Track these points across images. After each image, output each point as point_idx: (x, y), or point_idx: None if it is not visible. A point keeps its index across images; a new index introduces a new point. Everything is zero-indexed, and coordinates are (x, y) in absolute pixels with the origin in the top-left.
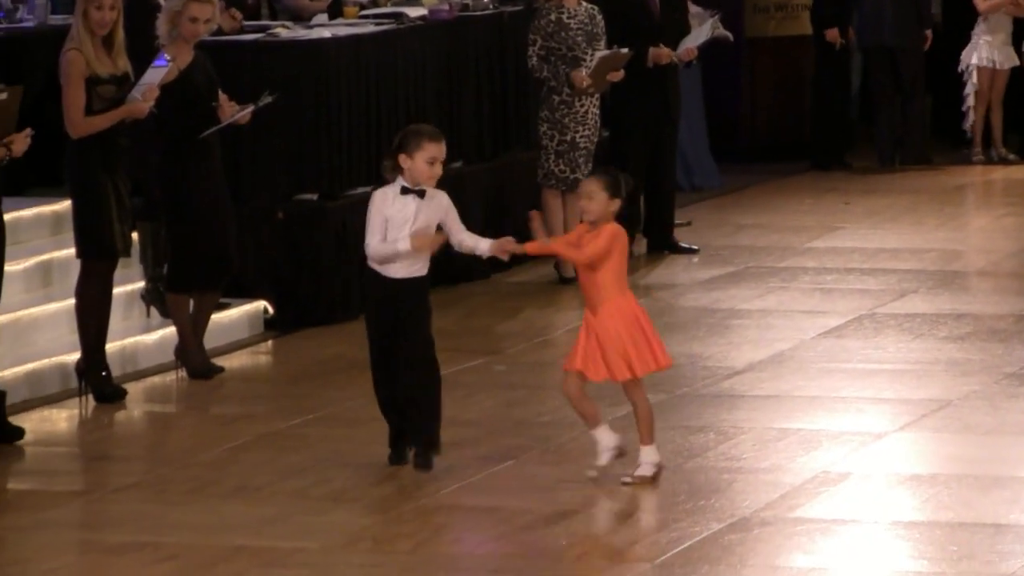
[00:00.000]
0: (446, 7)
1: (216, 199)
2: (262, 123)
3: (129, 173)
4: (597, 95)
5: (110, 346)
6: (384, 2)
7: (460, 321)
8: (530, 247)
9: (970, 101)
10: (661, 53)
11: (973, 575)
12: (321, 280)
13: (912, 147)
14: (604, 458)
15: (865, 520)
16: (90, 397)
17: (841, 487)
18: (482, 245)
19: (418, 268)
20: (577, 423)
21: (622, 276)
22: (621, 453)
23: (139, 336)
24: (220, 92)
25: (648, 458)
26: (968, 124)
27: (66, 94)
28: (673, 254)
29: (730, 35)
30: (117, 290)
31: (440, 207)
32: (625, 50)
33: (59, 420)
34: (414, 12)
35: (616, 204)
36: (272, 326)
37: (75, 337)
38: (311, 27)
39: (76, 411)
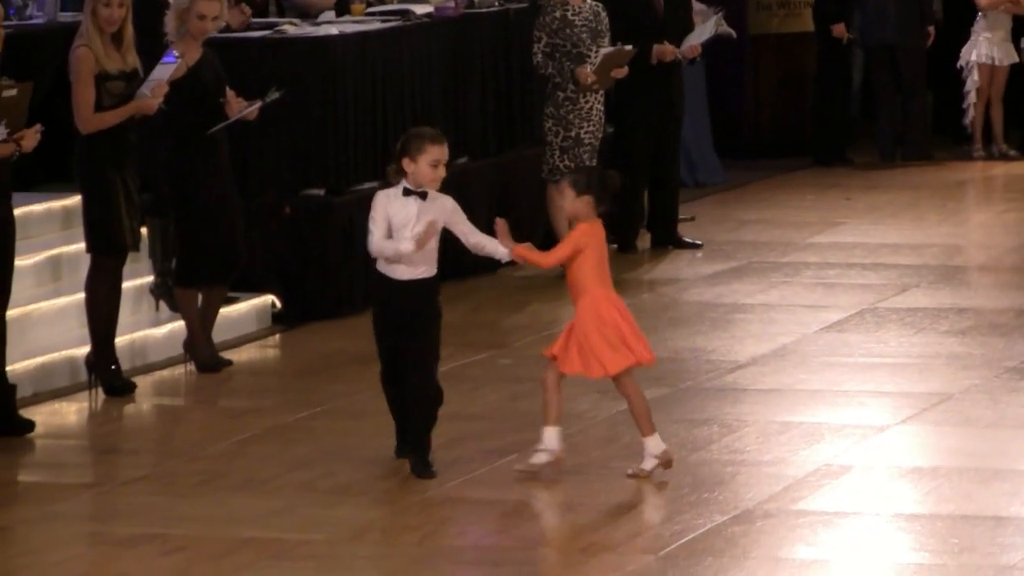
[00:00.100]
0: (452, 4)
1: (224, 195)
2: (269, 119)
3: (138, 169)
4: (602, 91)
5: (119, 340)
6: None
7: (467, 315)
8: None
9: (971, 98)
10: (665, 50)
11: (974, 567)
12: (328, 275)
13: (913, 143)
14: (537, 457)
15: (867, 512)
16: (99, 390)
17: (843, 480)
18: (500, 250)
19: (424, 270)
20: (582, 416)
21: (601, 269)
22: (556, 461)
23: (148, 330)
24: (228, 88)
25: (650, 450)
26: (968, 120)
27: (76, 90)
28: (677, 249)
29: (733, 32)
30: (126, 285)
31: (443, 209)
32: (629, 47)
33: (69, 413)
34: (420, 9)
35: (585, 200)
36: (279, 320)
37: (84, 331)
38: (318, 24)
39: (86, 404)
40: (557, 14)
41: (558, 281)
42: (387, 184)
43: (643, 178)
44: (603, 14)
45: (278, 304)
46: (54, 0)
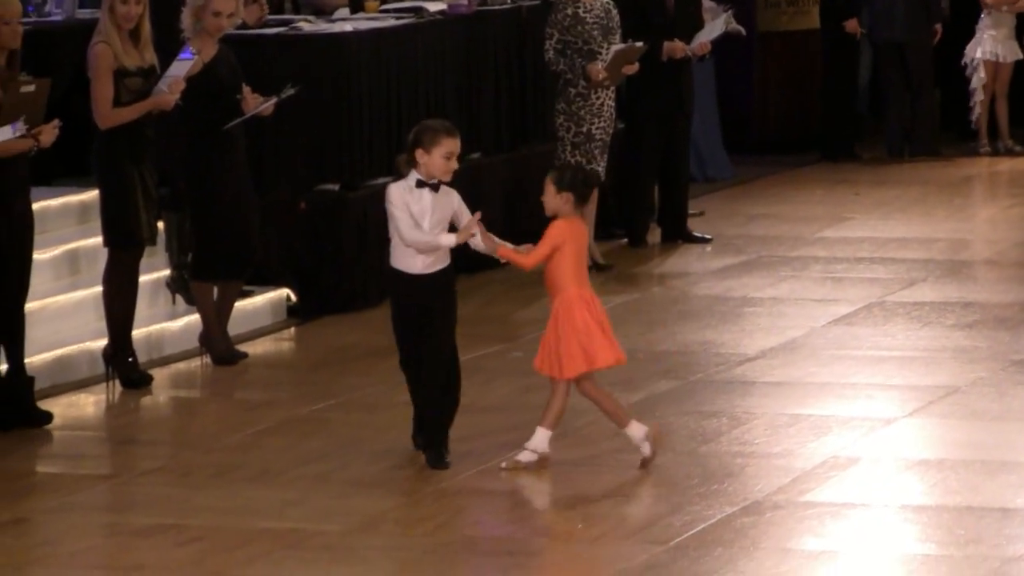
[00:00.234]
0: (465, 1)
1: (240, 190)
2: (285, 115)
3: (155, 164)
4: (612, 88)
5: (136, 333)
6: None
7: (479, 309)
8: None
9: (977, 96)
10: (675, 47)
11: (980, 558)
12: (342, 269)
13: (921, 139)
14: (523, 455)
15: (874, 504)
16: (117, 382)
17: (851, 472)
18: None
19: (440, 261)
20: (592, 409)
21: (579, 267)
22: (540, 461)
23: (164, 323)
24: (244, 85)
25: (636, 437)
26: (975, 117)
27: (94, 86)
28: (687, 243)
29: (743, 30)
30: (143, 278)
31: (451, 203)
32: (640, 44)
33: (86, 405)
34: (434, 6)
35: (566, 197)
36: (294, 314)
37: (102, 324)
38: (333, 21)
39: (103, 396)
40: (569, 11)
41: None
42: (399, 176)
43: (653, 173)
44: (614, 11)
45: (293, 298)
46: None
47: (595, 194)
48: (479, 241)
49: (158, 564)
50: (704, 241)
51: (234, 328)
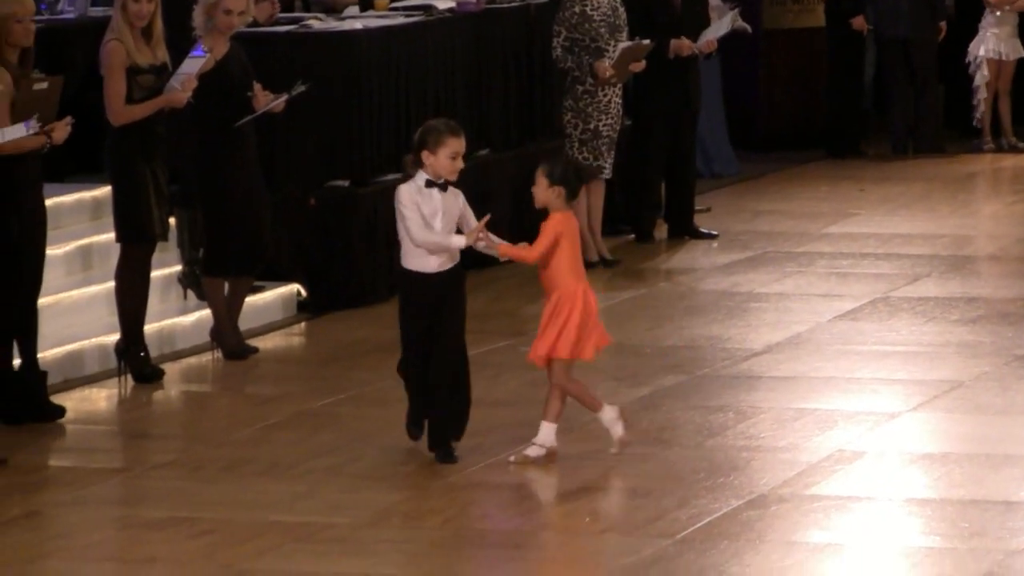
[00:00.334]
0: (474, 0)
1: (251, 186)
2: (295, 112)
3: (167, 160)
4: (620, 85)
5: (148, 328)
6: None
7: (487, 304)
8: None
9: (980, 94)
10: (682, 45)
11: (984, 551)
12: (352, 264)
13: (925, 136)
14: (531, 450)
15: (879, 497)
16: (129, 377)
17: (856, 465)
18: (493, 248)
19: (451, 259)
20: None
21: (575, 261)
22: (549, 455)
23: (176, 318)
24: (255, 82)
25: (608, 420)
26: (978, 115)
27: (107, 84)
28: (693, 239)
29: (749, 27)
30: (155, 274)
31: (458, 202)
32: (647, 41)
33: (99, 399)
34: (443, 4)
35: (557, 191)
36: (305, 309)
37: (114, 319)
38: (343, 19)
39: (115, 390)
40: (576, 9)
41: None
42: (406, 177)
43: (660, 170)
44: (621, 9)
45: (303, 293)
46: None
47: (602, 189)
48: (483, 244)
49: (170, 557)
50: (710, 237)
51: (245, 323)
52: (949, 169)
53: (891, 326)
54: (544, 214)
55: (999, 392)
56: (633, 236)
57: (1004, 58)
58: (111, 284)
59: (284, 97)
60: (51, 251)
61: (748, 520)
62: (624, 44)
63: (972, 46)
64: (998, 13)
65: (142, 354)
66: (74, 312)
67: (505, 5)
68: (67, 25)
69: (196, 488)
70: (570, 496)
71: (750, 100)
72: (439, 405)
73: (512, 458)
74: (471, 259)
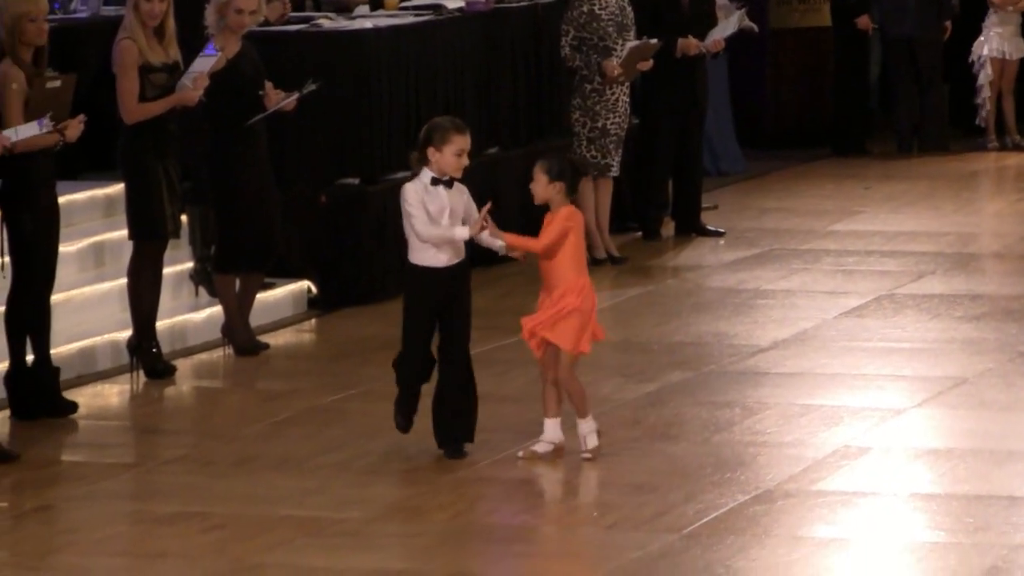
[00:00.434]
0: None
1: (262, 184)
2: (306, 111)
3: (179, 158)
4: (627, 84)
5: (160, 324)
6: None
7: (495, 301)
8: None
9: (984, 93)
10: (689, 44)
11: (988, 546)
12: (362, 261)
13: (930, 135)
14: (539, 446)
15: (884, 492)
16: (141, 373)
17: (861, 461)
18: (497, 242)
19: (458, 254)
20: (607, 399)
21: (578, 257)
22: (557, 450)
23: (188, 315)
24: (266, 81)
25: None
26: (983, 115)
27: (120, 82)
28: (700, 237)
29: (755, 27)
30: (167, 270)
31: (463, 198)
32: (654, 41)
33: (111, 395)
34: (452, 4)
35: (558, 187)
36: (315, 305)
37: (127, 315)
38: (353, 18)
39: (127, 386)
40: (584, 8)
41: None
42: (415, 174)
43: (667, 168)
44: (629, 8)
45: (314, 290)
46: None
47: (610, 187)
48: (486, 235)
49: (181, 551)
50: (717, 234)
51: (256, 319)
52: (953, 167)
53: (896, 323)
54: (545, 211)
55: (1003, 388)
56: (640, 233)
57: (1008, 57)
58: (123, 281)
59: (295, 96)
60: (64, 248)
61: (754, 515)
62: (632, 43)
63: (976, 45)
64: (1007, 10)
65: (154, 350)
66: (87, 309)
67: (514, 4)
68: (80, 24)
69: (207, 483)
70: (577, 491)
71: (757, 99)
72: (452, 404)
73: (520, 453)
74: (478, 256)
